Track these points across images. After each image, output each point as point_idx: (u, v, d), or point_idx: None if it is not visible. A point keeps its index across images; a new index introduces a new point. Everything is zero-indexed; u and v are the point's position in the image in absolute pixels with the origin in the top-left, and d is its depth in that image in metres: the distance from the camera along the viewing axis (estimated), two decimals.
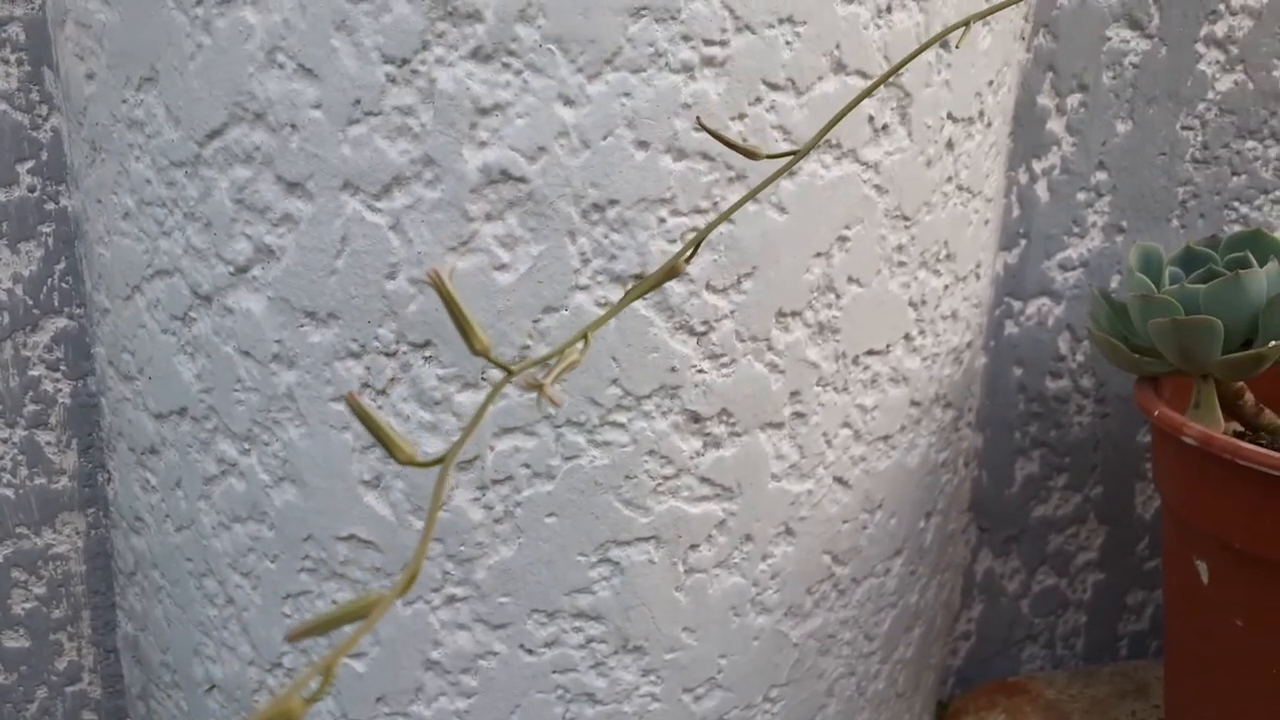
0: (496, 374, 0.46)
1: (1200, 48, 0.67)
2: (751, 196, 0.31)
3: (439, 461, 0.25)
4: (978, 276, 0.60)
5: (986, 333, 0.67)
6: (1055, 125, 0.65)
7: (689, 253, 0.35)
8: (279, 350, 0.47)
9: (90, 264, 0.55)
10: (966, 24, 0.36)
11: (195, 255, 0.48)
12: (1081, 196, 0.67)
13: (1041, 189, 0.67)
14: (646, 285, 0.34)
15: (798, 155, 0.35)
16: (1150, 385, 0.59)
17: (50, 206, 0.55)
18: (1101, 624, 0.78)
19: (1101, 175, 0.67)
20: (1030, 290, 0.68)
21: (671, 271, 0.34)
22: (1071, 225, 0.68)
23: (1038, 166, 0.66)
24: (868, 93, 0.35)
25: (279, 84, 0.44)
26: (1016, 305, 0.68)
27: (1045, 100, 0.65)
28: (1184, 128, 0.68)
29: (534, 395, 0.28)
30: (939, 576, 0.65)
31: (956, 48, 0.45)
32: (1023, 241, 0.67)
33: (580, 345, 0.32)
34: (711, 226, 0.34)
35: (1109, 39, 0.65)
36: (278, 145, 0.45)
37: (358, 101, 0.43)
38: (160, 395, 0.52)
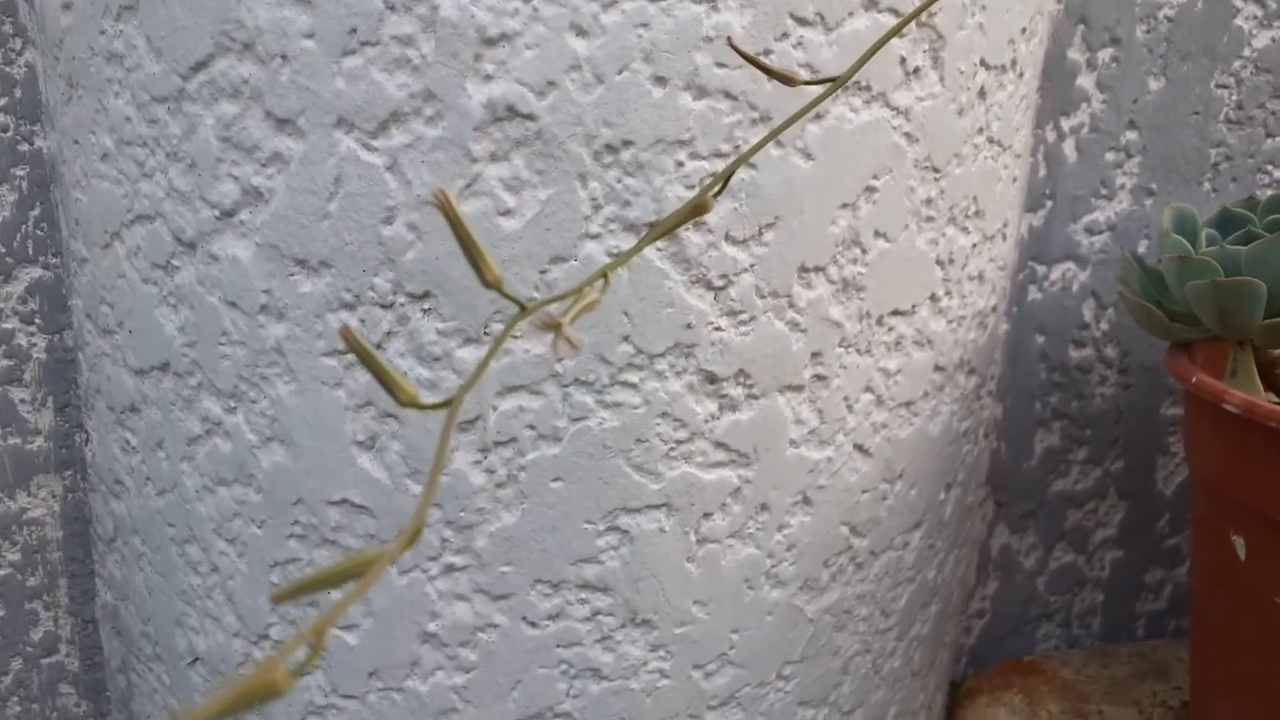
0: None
1: (1238, 2, 0.63)
2: (795, 121, 0.28)
3: (446, 404, 0.22)
4: (1004, 237, 0.57)
5: (1009, 298, 0.64)
6: (1085, 81, 0.62)
7: (717, 188, 0.32)
8: (267, 301, 0.44)
9: (67, 209, 0.52)
10: None
11: (178, 199, 0.45)
12: (1110, 157, 0.64)
13: (1069, 148, 0.64)
14: (672, 222, 0.31)
15: (837, 83, 0.32)
16: (1184, 352, 0.56)
17: (24, 148, 0.52)
18: (1119, 603, 0.75)
19: (1132, 135, 0.64)
20: (1055, 254, 0.65)
21: (698, 208, 0.31)
22: (1099, 187, 0.65)
23: (1066, 124, 0.63)
24: (911, 18, 0.32)
25: (269, 11, 0.41)
26: (1040, 270, 0.66)
27: (1075, 54, 0.62)
28: (1219, 86, 0.65)
29: (550, 336, 0.25)
30: (956, 551, 0.63)
31: None
32: (1048, 203, 0.64)
33: (600, 285, 0.29)
34: (745, 157, 0.31)
35: None
36: (267, 78, 0.41)
37: (353, 30, 0.40)
38: (141, 350, 0.49)
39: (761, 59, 0.40)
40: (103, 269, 0.50)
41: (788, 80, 0.31)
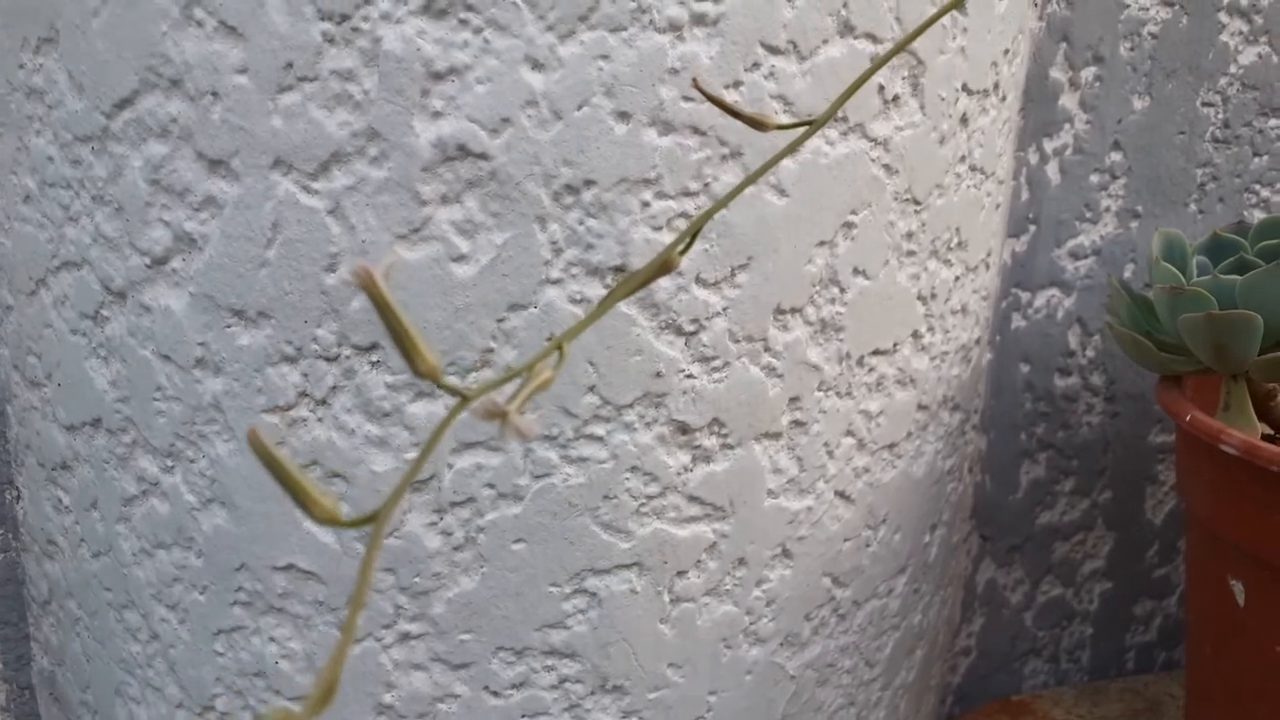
0: (454, 380, 0.40)
1: (1223, 17, 0.61)
2: (769, 167, 0.25)
3: (369, 519, 0.19)
4: (987, 266, 0.54)
5: (992, 327, 0.62)
6: (1068, 101, 0.60)
7: (683, 244, 0.29)
8: (203, 354, 0.41)
9: None
10: None
11: (106, 245, 0.42)
12: (1095, 179, 0.62)
13: (1053, 170, 0.61)
14: (633, 284, 0.28)
15: (814, 126, 0.29)
16: (1174, 385, 0.54)
17: None
18: (1108, 636, 0.73)
19: (1116, 155, 0.62)
20: (1039, 281, 0.63)
21: (664, 266, 0.28)
22: (1084, 210, 0.63)
23: (1049, 146, 0.61)
24: (899, 49, 0.29)
25: (197, 45, 0.37)
26: (1024, 297, 0.63)
27: (1058, 74, 0.59)
28: (1205, 104, 0.63)
29: (496, 425, 0.22)
30: (942, 592, 0.60)
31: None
32: (1032, 228, 0.62)
33: (553, 359, 0.26)
34: (713, 210, 0.28)
35: (1127, 6, 0.59)
36: (197, 116, 0.38)
37: (289, 65, 0.37)
38: (71, 404, 0.46)
39: (729, 96, 0.37)
40: (28, 318, 0.46)
41: (759, 125, 0.28)
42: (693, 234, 0.29)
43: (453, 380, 0.29)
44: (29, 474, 0.50)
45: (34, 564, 0.53)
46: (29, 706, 0.56)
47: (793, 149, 0.29)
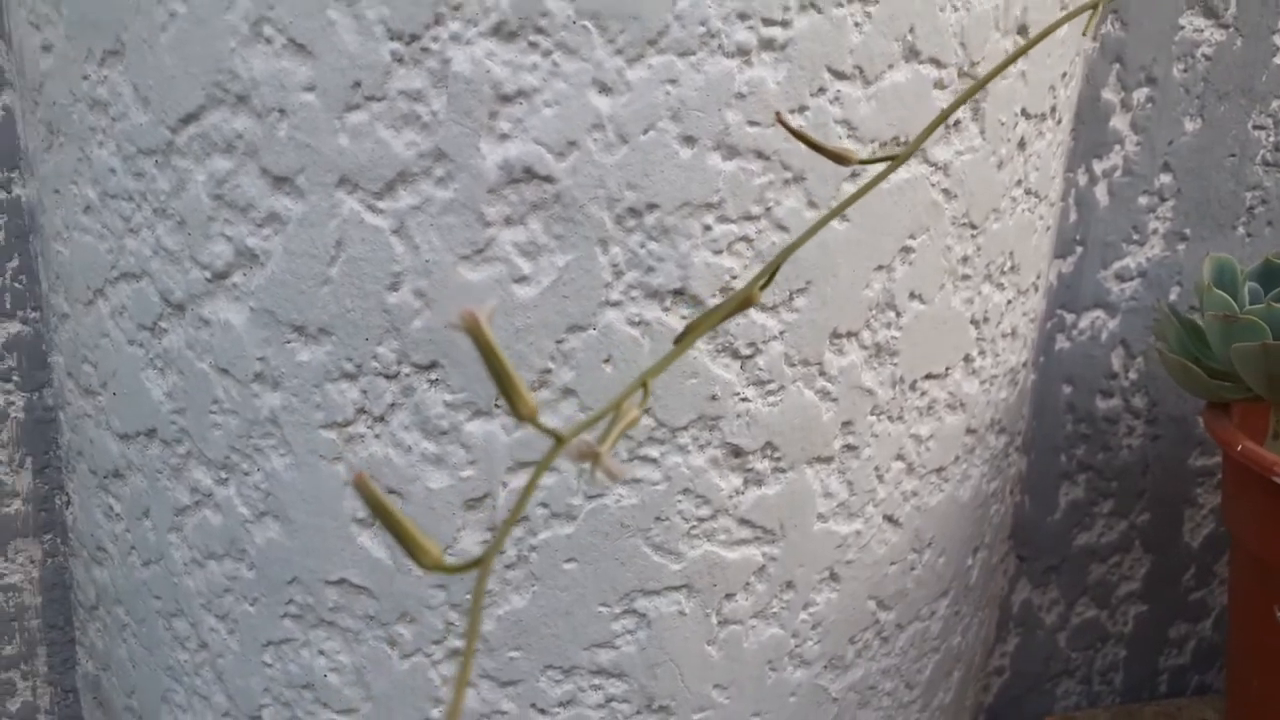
0: None
1: (1278, 40, 0.61)
2: (851, 203, 0.25)
3: (475, 564, 0.19)
4: (1036, 289, 0.54)
5: (1037, 349, 0.61)
6: (1119, 122, 0.60)
7: (764, 280, 0.29)
8: (262, 369, 0.41)
9: (47, 262, 0.49)
10: (1097, 5, 0.30)
11: (166, 257, 0.42)
12: (1143, 200, 0.62)
13: (1101, 192, 0.61)
14: (714, 319, 0.28)
15: (896, 162, 0.29)
16: (1223, 412, 0.54)
17: (1, 196, 0.49)
18: (1142, 658, 0.73)
19: (1166, 178, 0.62)
20: (1084, 302, 0.63)
21: (745, 302, 0.28)
22: (1131, 232, 0.62)
23: (1098, 167, 0.60)
24: (978, 87, 0.29)
25: (266, 62, 0.38)
26: (1069, 318, 0.63)
27: (1110, 95, 0.59)
28: (1256, 127, 0.62)
29: (587, 466, 0.22)
30: (981, 613, 0.60)
31: (1085, 34, 0.39)
32: (1079, 249, 0.62)
33: (638, 398, 0.26)
34: (794, 246, 0.28)
35: (1181, 28, 0.59)
36: (263, 133, 0.38)
37: (358, 84, 0.37)
38: (126, 414, 0.46)
39: (794, 121, 0.37)
40: (85, 327, 0.46)
41: (843, 160, 0.28)
42: (773, 270, 0.29)
43: (549, 425, 0.29)
44: (80, 480, 0.51)
45: (82, 569, 0.53)
46: (73, 710, 0.56)
47: (872, 186, 0.29)
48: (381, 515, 0.19)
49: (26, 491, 0.52)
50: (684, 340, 0.27)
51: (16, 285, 0.50)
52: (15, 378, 0.51)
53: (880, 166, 0.30)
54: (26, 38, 0.45)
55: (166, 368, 0.43)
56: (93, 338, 0.46)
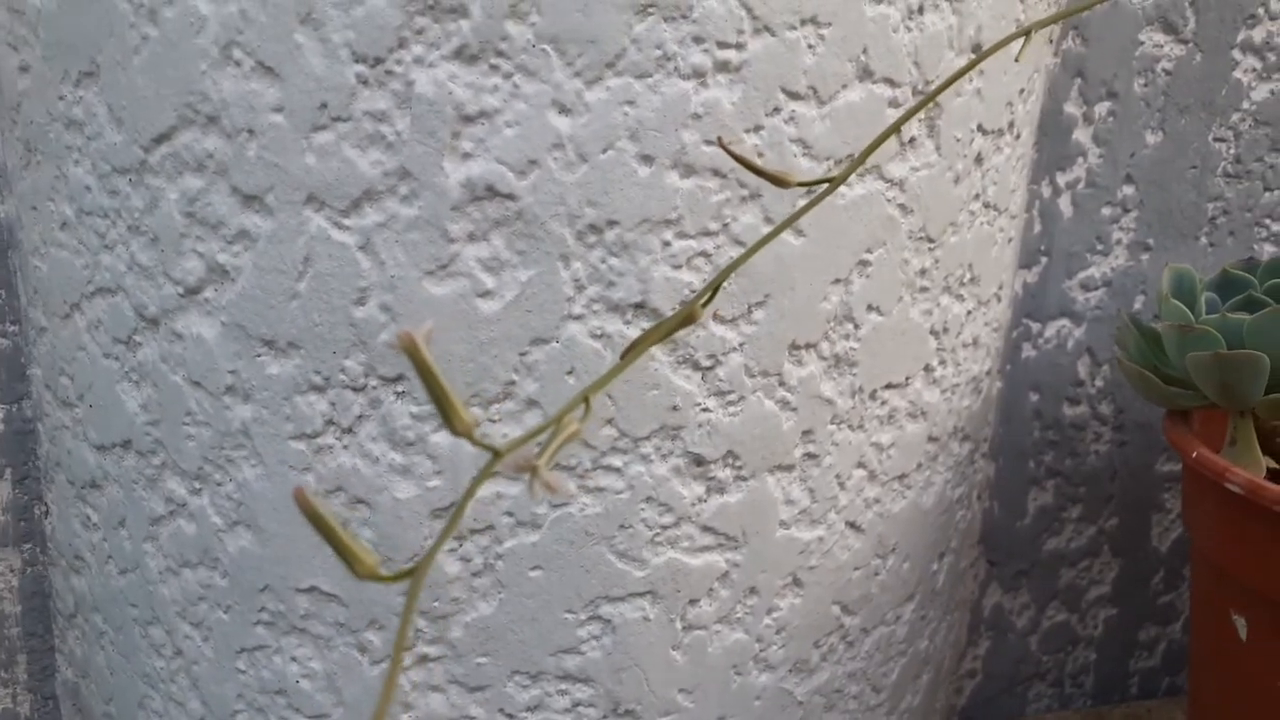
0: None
1: (1237, 54, 0.62)
2: (792, 221, 0.27)
3: (407, 574, 0.20)
4: (999, 299, 0.55)
5: (1003, 357, 0.63)
6: (1082, 135, 0.61)
7: (706, 297, 0.30)
8: (233, 381, 0.42)
9: (25, 277, 0.50)
10: (1027, 33, 0.32)
11: (140, 273, 0.43)
12: (1107, 212, 0.63)
13: (1065, 203, 0.62)
14: (657, 335, 0.29)
15: (834, 184, 0.30)
16: (1181, 420, 0.55)
17: None
18: (1112, 661, 0.74)
19: (1129, 189, 0.63)
20: (1050, 311, 0.64)
21: (687, 318, 0.29)
22: (1095, 242, 0.63)
23: (1061, 180, 0.62)
24: (923, 105, 0.30)
25: (235, 84, 0.39)
26: (1035, 327, 0.64)
27: (1072, 109, 0.60)
28: (1216, 139, 0.64)
29: (526, 479, 0.23)
30: (949, 617, 0.61)
31: (1017, 60, 0.40)
32: (1043, 259, 0.63)
33: (579, 412, 0.27)
34: (735, 265, 0.29)
35: (1141, 43, 0.60)
36: (233, 153, 0.39)
37: (324, 105, 0.38)
38: (102, 425, 0.47)
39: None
40: (62, 340, 0.47)
41: (781, 182, 0.30)
42: (714, 288, 0.30)
43: (484, 435, 0.30)
44: (58, 491, 0.52)
45: (61, 578, 0.54)
46: (53, 716, 0.57)
47: (813, 205, 0.30)
48: (318, 526, 0.20)
49: (6, 502, 0.53)
50: (629, 355, 0.28)
51: None
52: None
53: (824, 186, 0.31)
54: (4, 58, 0.46)
55: (141, 380, 0.44)
56: (70, 351, 0.47)
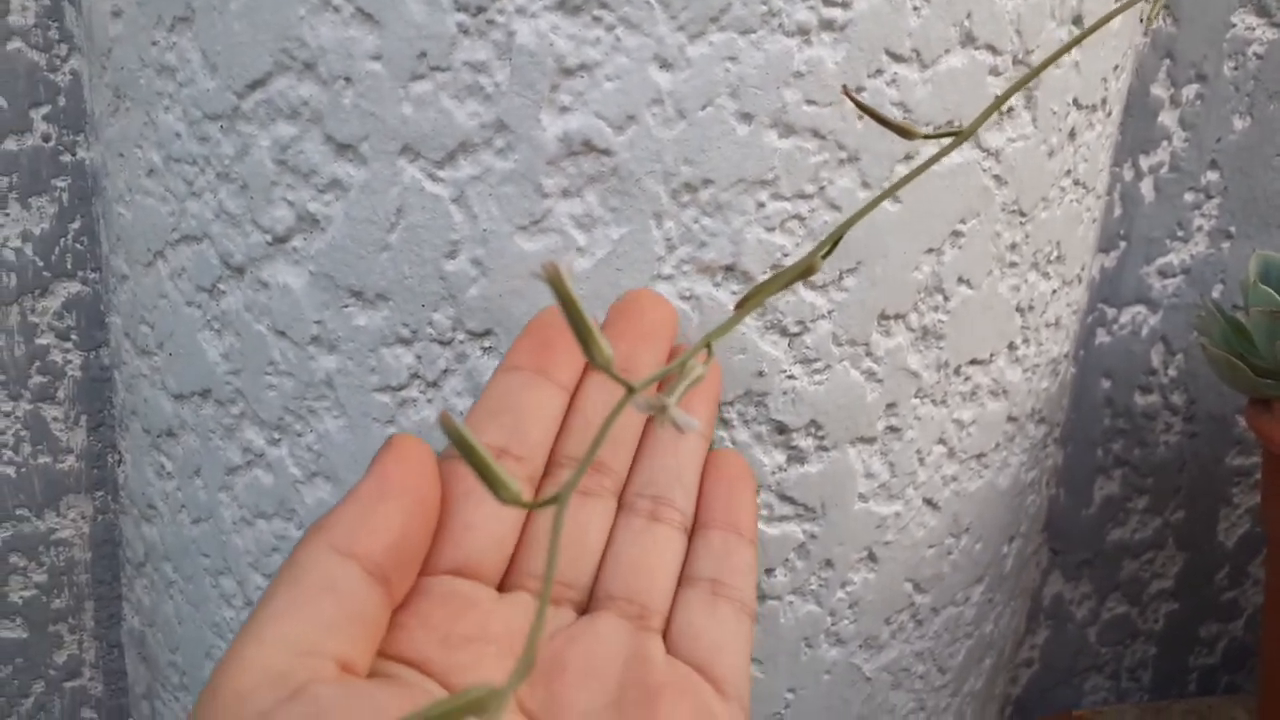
0: None
1: None
2: (914, 177, 0.26)
3: (551, 501, 0.19)
4: (1080, 280, 0.54)
5: (1077, 342, 0.62)
6: (1168, 118, 0.60)
7: (826, 249, 0.29)
8: (319, 332, 0.42)
9: (108, 224, 0.50)
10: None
11: (228, 221, 0.43)
12: (1189, 198, 0.62)
13: (1147, 187, 0.61)
14: (775, 285, 0.29)
15: (961, 136, 0.29)
16: (1265, 409, 0.54)
17: (66, 158, 0.50)
18: (1171, 657, 0.73)
19: (1213, 175, 0.62)
20: (1126, 297, 0.63)
21: (806, 270, 0.29)
22: (1175, 228, 0.62)
23: (1145, 163, 0.60)
24: (1041, 69, 0.29)
25: (333, 30, 0.38)
26: (1110, 313, 0.63)
27: (1159, 90, 0.59)
28: None
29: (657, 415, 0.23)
30: (1013, 603, 0.60)
31: (1143, 20, 0.39)
32: (1122, 244, 0.62)
33: (704, 356, 0.27)
34: (857, 217, 0.29)
35: (1233, 25, 0.59)
36: (329, 100, 0.39)
37: (423, 54, 0.38)
38: (181, 374, 0.47)
39: (852, 111, 0.38)
40: (144, 288, 0.47)
41: (907, 133, 0.29)
42: (835, 240, 0.29)
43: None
44: (133, 439, 0.52)
45: (131, 526, 0.54)
46: (117, 664, 0.58)
47: (940, 156, 0.29)
48: (464, 450, 0.19)
49: (80, 448, 0.53)
50: (746, 304, 0.28)
51: (78, 246, 0.51)
52: (73, 336, 0.52)
53: (937, 146, 0.30)
54: (96, 4, 0.46)
55: (224, 329, 0.44)
56: (151, 299, 0.47)
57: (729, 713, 0.30)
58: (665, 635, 0.31)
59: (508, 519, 0.30)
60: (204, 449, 0.47)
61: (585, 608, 0.32)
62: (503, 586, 0.31)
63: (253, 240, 0.42)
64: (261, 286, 0.43)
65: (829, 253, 0.28)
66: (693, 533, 0.35)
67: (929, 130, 0.40)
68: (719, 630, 0.31)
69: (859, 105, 0.27)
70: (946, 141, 0.40)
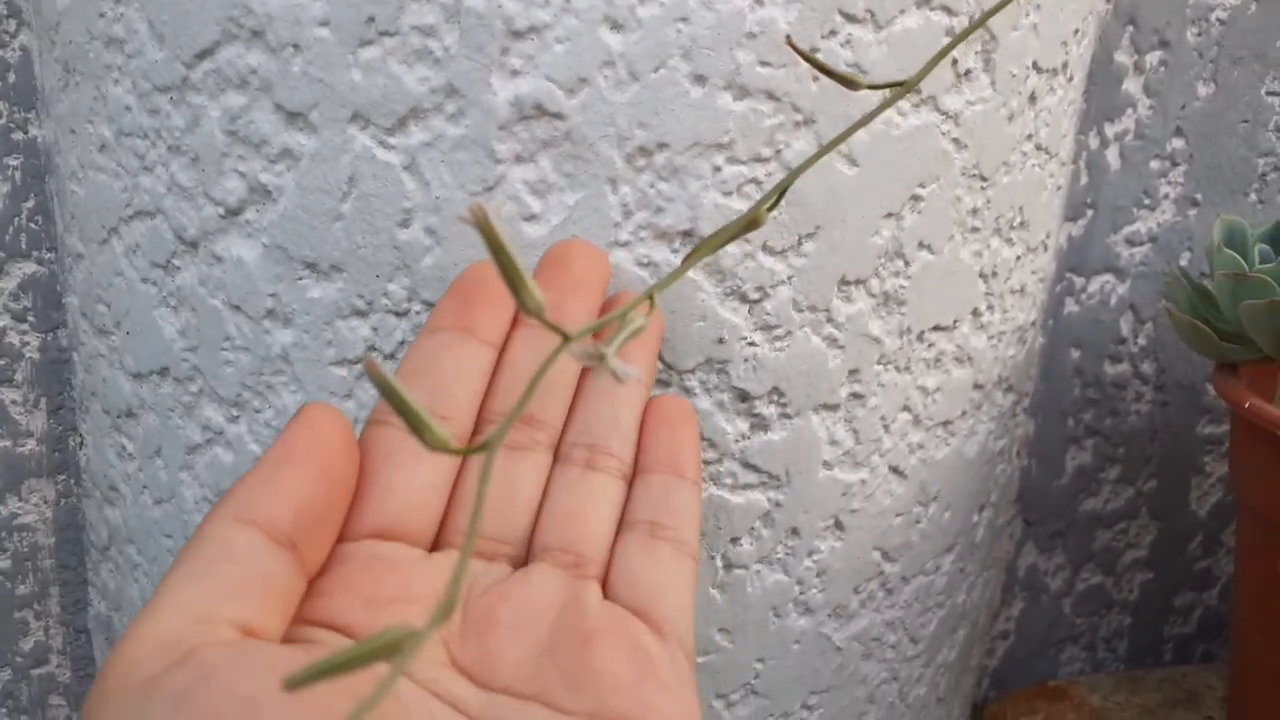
0: None
1: None
2: (858, 128, 0.26)
3: (481, 448, 0.19)
4: (1045, 248, 0.54)
5: (1045, 311, 0.62)
6: (1132, 85, 0.60)
7: (771, 202, 0.29)
8: (274, 305, 0.42)
9: (62, 202, 0.49)
10: None
11: (180, 194, 0.42)
12: (1155, 165, 0.62)
13: (1112, 155, 0.61)
14: (720, 238, 0.29)
15: (905, 87, 0.29)
16: (1231, 373, 0.54)
17: (18, 136, 0.49)
18: (1146, 626, 0.73)
19: (1178, 142, 0.62)
20: (1094, 266, 0.63)
21: (751, 223, 0.28)
22: (1142, 196, 0.62)
23: (1110, 130, 0.60)
24: (984, 20, 0.29)
25: None
26: (1079, 282, 0.63)
27: (1123, 57, 0.59)
28: (1269, 93, 0.62)
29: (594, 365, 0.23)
30: (986, 573, 0.60)
31: None
32: (1089, 212, 0.62)
33: (644, 308, 0.26)
34: (801, 169, 0.28)
35: None
36: (277, 68, 0.39)
37: (371, 19, 0.37)
38: (139, 352, 0.46)
39: (806, 71, 0.37)
40: (99, 266, 0.47)
41: (851, 84, 0.29)
42: (780, 192, 0.29)
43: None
44: (93, 421, 0.51)
45: (95, 510, 0.53)
46: (84, 650, 0.57)
47: (881, 110, 0.29)
48: (388, 395, 0.19)
49: (40, 432, 0.53)
50: (692, 256, 0.27)
51: (32, 225, 0.50)
52: (30, 318, 0.51)
53: (885, 94, 0.30)
54: None
55: (179, 305, 0.44)
56: (106, 277, 0.47)
57: (667, 651, 0.30)
58: (604, 582, 0.31)
59: (431, 479, 0.30)
60: (164, 428, 0.47)
61: (522, 563, 0.31)
62: (435, 547, 0.31)
63: (205, 214, 0.42)
64: (216, 261, 0.42)
65: (774, 205, 0.28)
66: (633, 478, 0.35)
67: (880, 97, 0.39)
68: (657, 572, 0.31)
69: (802, 55, 0.27)
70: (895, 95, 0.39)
